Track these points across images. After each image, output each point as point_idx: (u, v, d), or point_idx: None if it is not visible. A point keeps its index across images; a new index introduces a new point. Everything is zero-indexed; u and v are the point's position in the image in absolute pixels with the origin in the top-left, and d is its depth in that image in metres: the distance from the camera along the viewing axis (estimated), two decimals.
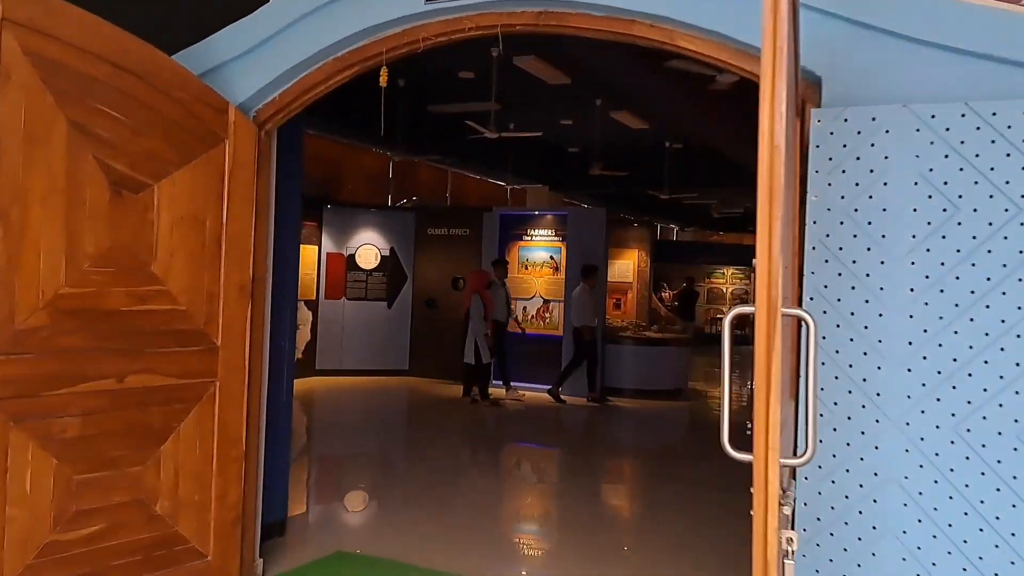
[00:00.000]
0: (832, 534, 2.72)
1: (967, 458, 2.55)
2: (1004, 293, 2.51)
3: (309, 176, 12.64)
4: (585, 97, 13.43)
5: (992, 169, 2.54)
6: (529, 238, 11.90)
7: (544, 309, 11.67)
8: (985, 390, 2.53)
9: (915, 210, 2.63)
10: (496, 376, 10.86)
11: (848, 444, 2.71)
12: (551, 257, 11.72)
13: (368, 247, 12.76)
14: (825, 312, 2.72)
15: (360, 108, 13.91)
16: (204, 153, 3.77)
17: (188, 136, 3.69)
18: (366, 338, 12.66)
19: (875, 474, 2.67)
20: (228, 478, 3.92)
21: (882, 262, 2.66)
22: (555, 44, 9.77)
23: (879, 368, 2.66)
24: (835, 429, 2.72)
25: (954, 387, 2.57)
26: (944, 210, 2.59)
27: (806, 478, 2.76)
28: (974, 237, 2.55)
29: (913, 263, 2.63)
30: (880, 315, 2.66)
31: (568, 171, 18.79)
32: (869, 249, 2.69)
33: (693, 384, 12.60)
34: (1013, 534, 2.49)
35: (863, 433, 2.69)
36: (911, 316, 2.62)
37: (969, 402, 2.55)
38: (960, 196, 2.58)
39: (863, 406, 2.69)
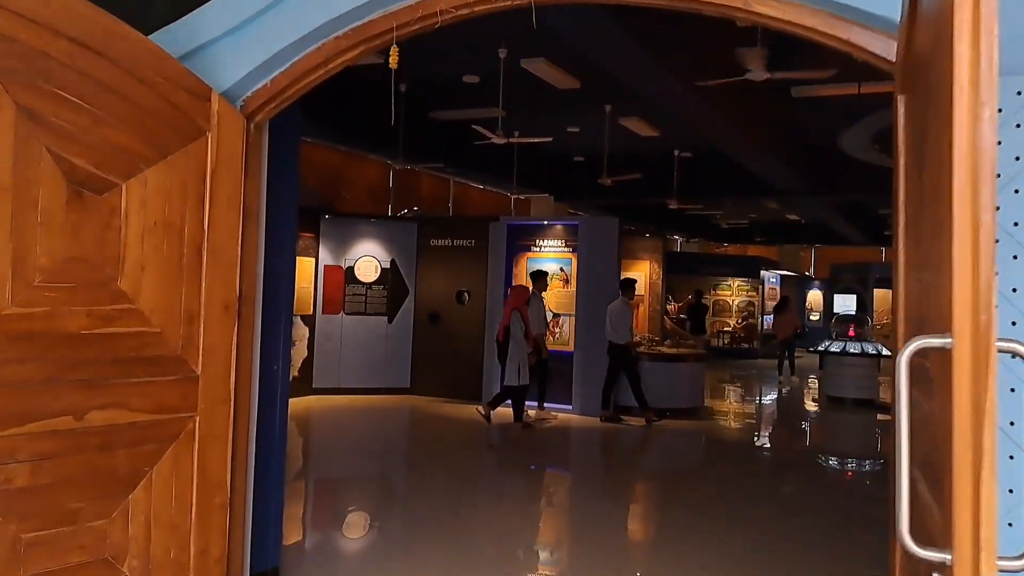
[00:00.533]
0: None
1: None
2: None
3: (306, 186, 12.17)
4: (594, 102, 12.92)
5: None
6: (538, 249, 11.35)
7: (554, 324, 11.10)
8: None
9: None
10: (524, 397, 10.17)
11: None
12: (561, 269, 11.16)
13: (368, 259, 12.20)
14: None
15: (360, 113, 13.39)
16: (182, 148, 3.21)
17: (163, 128, 3.14)
18: (365, 355, 12.08)
19: None
20: (210, 530, 3.33)
21: None
22: (566, 45, 9.26)
23: None
24: None
25: None
26: None
27: None
28: None
29: None
30: None
31: (574, 181, 18.29)
32: None
33: (706, 401, 12.01)
34: None
35: None
36: None
37: None
38: None
39: None
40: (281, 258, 4.22)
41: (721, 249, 30.97)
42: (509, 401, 9.83)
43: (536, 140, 10.58)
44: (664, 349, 11.49)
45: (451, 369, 11.97)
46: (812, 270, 32.57)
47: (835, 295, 18.97)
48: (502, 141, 9.76)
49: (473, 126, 10.03)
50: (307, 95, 3.59)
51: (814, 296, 26.50)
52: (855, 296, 18.19)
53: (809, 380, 17.40)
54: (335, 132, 13.01)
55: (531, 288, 10.08)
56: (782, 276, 28.50)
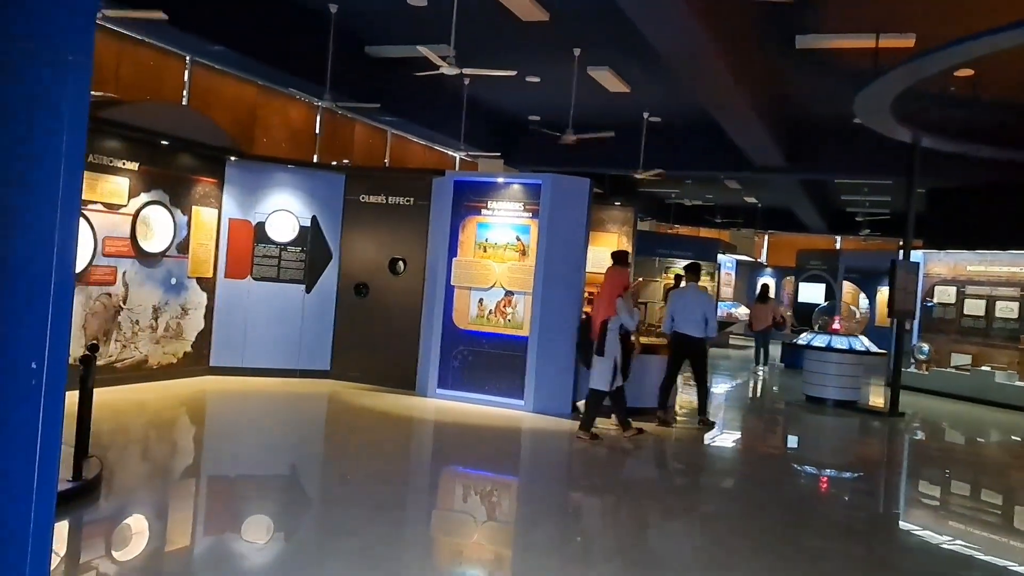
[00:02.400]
0: None
1: None
2: None
3: (208, 121, 10.06)
4: (563, 42, 11.13)
5: None
6: (490, 212, 9.53)
7: (506, 303, 9.33)
8: None
9: None
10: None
11: None
12: (517, 238, 9.37)
13: (283, 214, 10.18)
14: None
15: (282, 39, 11.30)
16: None
17: None
18: (277, 330, 10.10)
19: None
20: None
21: None
22: None
23: None
24: None
25: None
26: None
27: None
28: None
29: None
30: None
31: (530, 142, 16.48)
32: None
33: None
34: None
35: None
36: None
37: None
38: None
39: None
40: (38, 198, 2.29)
41: (673, 230, 29.67)
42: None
43: (495, 73, 8.75)
44: (641, 339, 9.83)
45: (381, 352, 10.10)
46: (764, 257, 31.63)
47: (801, 283, 17.69)
48: (453, 72, 7.89)
49: (419, 48, 8.07)
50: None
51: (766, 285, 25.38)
52: (824, 285, 16.93)
53: (779, 374, 16.19)
54: (251, 61, 10.88)
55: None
56: (737, 262, 27.40)
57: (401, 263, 10.18)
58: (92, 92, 7.96)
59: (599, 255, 10.61)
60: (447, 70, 7.97)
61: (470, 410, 8.99)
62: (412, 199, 10.12)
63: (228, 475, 6.32)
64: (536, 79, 13.12)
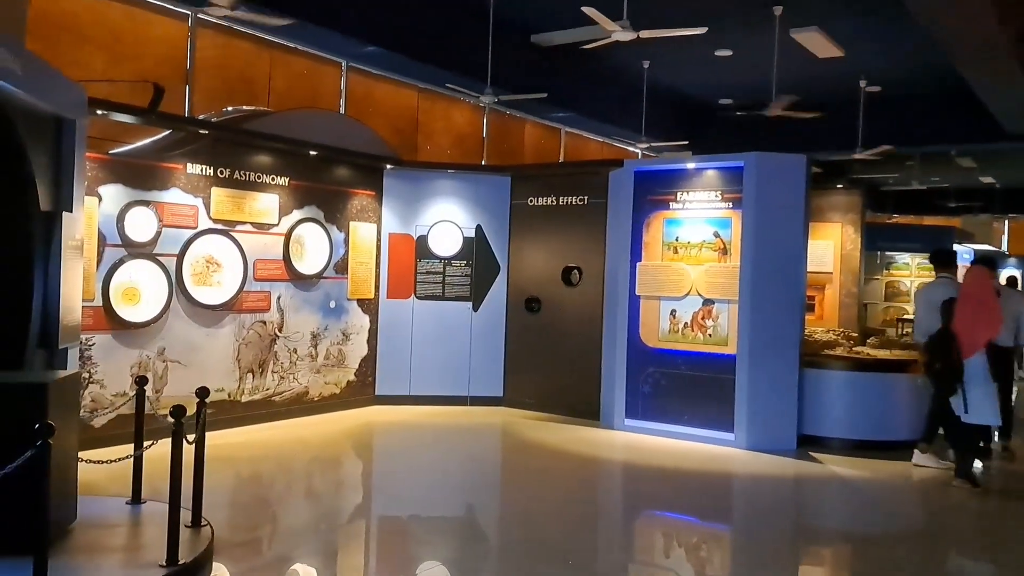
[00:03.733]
0: None
1: None
2: None
3: (369, 132, 9.41)
4: (758, 3, 9.44)
5: None
6: (680, 205, 8.04)
7: (705, 314, 7.79)
8: None
9: None
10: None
11: None
12: (715, 234, 7.82)
13: (446, 225, 9.27)
14: None
15: (442, 36, 10.50)
16: None
17: None
18: (444, 353, 9.20)
19: None
20: None
21: None
22: None
23: None
24: None
25: None
26: None
27: None
28: None
29: None
30: None
31: (721, 127, 14.71)
32: None
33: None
34: None
35: None
36: None
37: None
38: None
39: None
40: None
41: (891, 220, 26.25)
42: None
43: (679, 33, 7.26)
44: (871, 352, 7.93)
45: (558, 375, 8.90)
46: (1005, 245, 27.35)
47: None
48: (628, 36, 6.54)
49: (585, 10, 6.77)
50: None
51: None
52: None
53: None
54: (406, 61, 10.13)
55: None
56: (974, 252, 23.68)
57: (576, 272, 8.92)
58: (243, 106, 7.28)
59: (820, 250, 8.77)
60: (621, 35, 6.67)
61: (666, 447, 7.53)
62: (586, 197, 8.84)
63: (398, 521, 5.34)
64: (727, 52, 11.44)
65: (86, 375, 6.47)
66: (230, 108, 8.59)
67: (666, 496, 6.18)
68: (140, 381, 4.98)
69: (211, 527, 4.36)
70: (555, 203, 9.07)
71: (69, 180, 5.40)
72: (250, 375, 7.80)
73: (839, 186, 9.43)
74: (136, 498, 4.82)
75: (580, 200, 8.89)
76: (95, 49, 7.83)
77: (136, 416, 4.88)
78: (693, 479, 6.55)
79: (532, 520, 5.40)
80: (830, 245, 9.12)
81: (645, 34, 7.14)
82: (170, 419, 3.80)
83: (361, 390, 8.94)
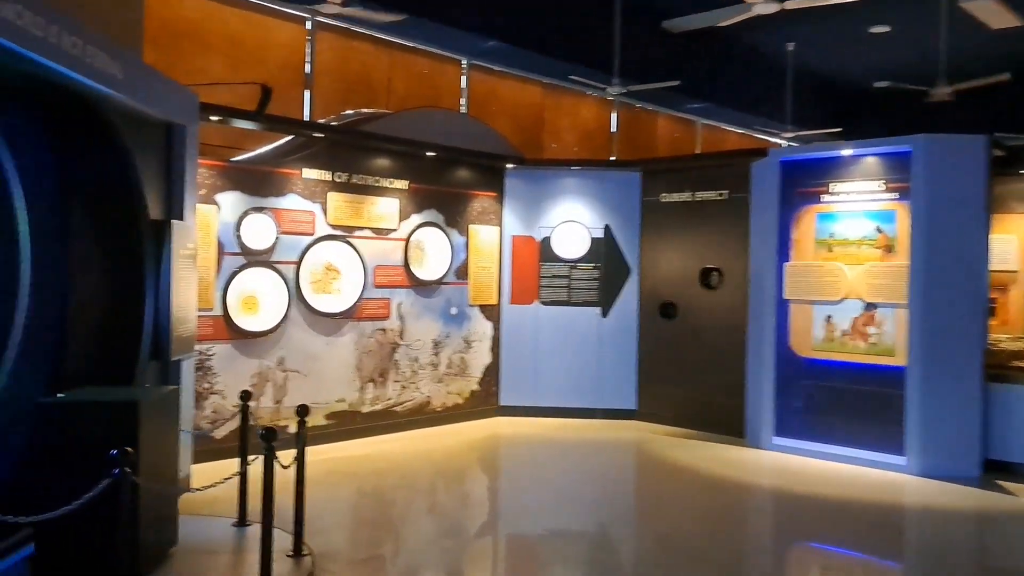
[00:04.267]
0: None
1: None
2: None
3: (491, 130, 9.06)
4: None
5: None
6: (834, 197, 7.16)
7: (866, 320, 6.88)
8: None
9: None
10: None
11: None
12: (878, 229, 6.90)
13: (572, 226, 8.76)
14: None
15: (564, 27, 10.02)
16: None
17: None
18: (571, 362, 8.69)
19: None
20: None
21: None
22: None
23: None
24: None
25: None
26: None
27: None
28: None
29: None
30: None
31: (877, 112, 13.41)
32: None
33: None
34: None
35: None
36: None
37: None
38: None
39: None
40: None
41: None
42: None
43: (831, 1, 6.37)
44: None
45: (697, 387, 8.19)
46: None
47: None
48: (771, 9, 5.80)
49: None
50: None
51: None
52: None
53: None
54: (528, 55, 9.72)
55: None
56: None
57: (716, 274, 8.17)
58: (362, 109, 7.02)
59: (1001, 245, 7.61)
60: (762, 8, 5.95)
61: (823, 470, 6.68)
62: (725, 192, 8.09)
63: (525, 542, 4.89)
64: (883, 28, 10.31)
65: (207, 385, 6.42)
66: (349, 111, 8.46)
67: (826, 529, 5.38)
68: (244, 396, 4.76)
69: (312, 556, 4.04)
70: (691, 199, 8.36)
71: (180, 187, 5.29)
72: (371, 385, 7.59)
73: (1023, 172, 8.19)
74: (242, 519, 4.60)
75: (719, 195, 8.14)
76: (216, 56, 7.88)
77: (240, 432, 4.66)
78: (857, 509, 5.70)
79: (670, 551, 4.78)
80: (1013, 239, 7.92)
81: (790, 5, 6.36)
82: (261, 442, 3.49)
83: (485, 400, 8.58)
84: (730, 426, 7.79)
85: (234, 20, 8.10)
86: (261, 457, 3.44)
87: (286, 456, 3.63)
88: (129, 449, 2.95)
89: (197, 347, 6.16)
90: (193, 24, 7.76)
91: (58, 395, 3.79)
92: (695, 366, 8.22)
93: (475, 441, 7.71)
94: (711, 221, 8.18)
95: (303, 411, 4.11)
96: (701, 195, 8.28)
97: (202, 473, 5.18)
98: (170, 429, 4.11)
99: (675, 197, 8.49)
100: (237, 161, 6.70)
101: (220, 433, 6.44)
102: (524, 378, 8.69)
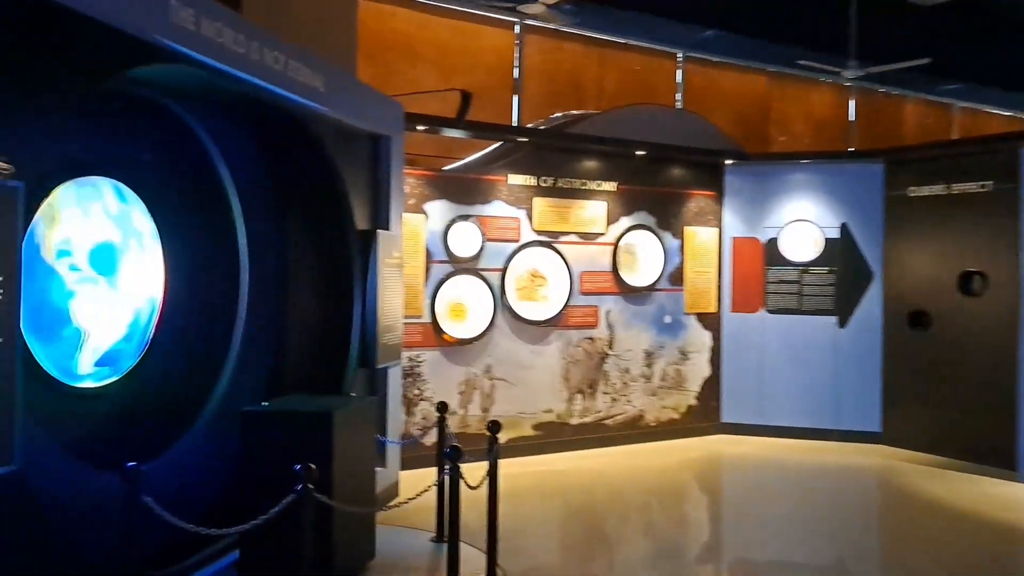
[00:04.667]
0: None
1: None
2: None
3: (707, 125, 8.48)
4: None
5: None
6: None
7: None
8: None
9: None
10: None
11: None
12: None
13: (801, 225, 7.98)
14: None
15: (790, 8, 9.17)
16: None
17: None
18: (802, 377, 7.92)
19: None
20: None
21: None
22: None
23: None
24: None
25: None
26: None
27: None
28: None
29: None
30: None
31: None
32: None
33: None
34: None
35: None
36: None
37: None
38: None
39: None
40: None
41: None
42: None
43: None
44: None
45: (955, 409, 7.09)
46: None
47: None
48: None
49: None
50: None
51: None
52: None
53: None
54: (750, 42, 9.04)
55: None
56: None
57: (978, 278, 7.01)
58: (571, 111, 6.85)
59: None
60: None
61: None
62: (989, 183, 6.92)
63: (751, 571, 4.45)
64: None
65: (416, 392, 6.50)
66: (558, 114, 8.31)
67: None
68: (440, 408, 4.68)
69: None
70: (945, 192, 7.26)
71: (386, 197, 5.37)
72: (579, 396, 7.36)
73: None
74: (440, 535, 4.51)
75: (981, 187, 6.99)
76: (426, 65, 8.06)
77: (438, 444, 4.58)
78: None
79: None
80: None
81: None
82: (446, 459, 3.33)
83: (704, 416, 8.04)
84: (999, 456, 6.62)
85: (443, 29, 8.25)
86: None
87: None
88: (312, 466, 2.89)
89: (406, 354, 6.27)
90: (404, 36, 7.99)
91: (263, 403, 3.89)
92: (954, 384, 7.09)
93: (693, 460, 7.23)
94: (971, 217, 7.03)
95: (494, 427, 3.92)
96: (958, 188, 7.15)
97: (411, 480, 5.21)
98: (368, 439, 4.10)
99: (926, 191, 7.41)
100: (448, 170, 6.76)
101: (430, 440, 6.49)
102: (748, 393, 8.04)
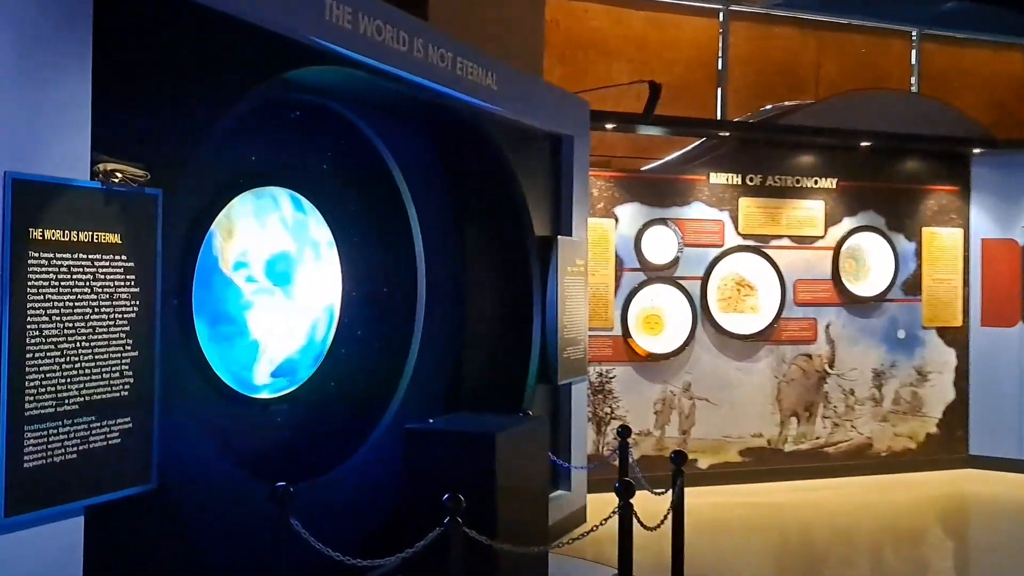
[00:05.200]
0: None
1: None
2: None
3: (950, 110, 7.35)
4: None
5: None
6: None
7: None
8: None
9: None
10: None
11: None
12: None
13: None
14: None
15: None
16: None
17: None
18: None
19: None
20: None
21: None
22: None
23: None
24: None
25: None
26: None
27: None
28: None
29: None
30: None
31: None
32: None
33: None
34: None
35: None
36: None
37: None
38: None
39: None
40: None
41: None
42: None
43: None
44: None
45: None
46: None
47: None
48: None
49: None
50: None
51: None
52: None
53: None
54: (1007, 17, 7.79)
55: None
56: None
57: None
58: (784, 102, 6.22)
59: None
60: None
61: None
62: None
63: None
64: None
65: (607, 410, 6.14)
66: (768, 107, 7.61)
67: None
68: (622, 432, 4.28)
69: None
70: None
71: (568, 200, 5.09)
72: (794, 419, 6.65)
73: None
74: (624, 570, 4.10)
75: None
76: (621, 62, 7.71)
77: (620, 473, 4.18)
78: None
79: None
80: None
81: None
82: (618, 495, 2.94)
83: (947, 447, 7.02)
84: None
85: (639, 23, 7.86)
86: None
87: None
88: (460, 496, 2.63)
89: (595, 369, 5.93)
90: (598, 33, 7.70)
91: (429, 420, 3.72)
92: None
93: (934, 498, 6.33)
94: None
95: (679, 458, 3.46)
96: None
97: (600, 504, 4.86)
98: (539, 461, 3.80)
99: None
100: (644, 171, 6.37)
101: None
102: (1003, 422, 6.94)
